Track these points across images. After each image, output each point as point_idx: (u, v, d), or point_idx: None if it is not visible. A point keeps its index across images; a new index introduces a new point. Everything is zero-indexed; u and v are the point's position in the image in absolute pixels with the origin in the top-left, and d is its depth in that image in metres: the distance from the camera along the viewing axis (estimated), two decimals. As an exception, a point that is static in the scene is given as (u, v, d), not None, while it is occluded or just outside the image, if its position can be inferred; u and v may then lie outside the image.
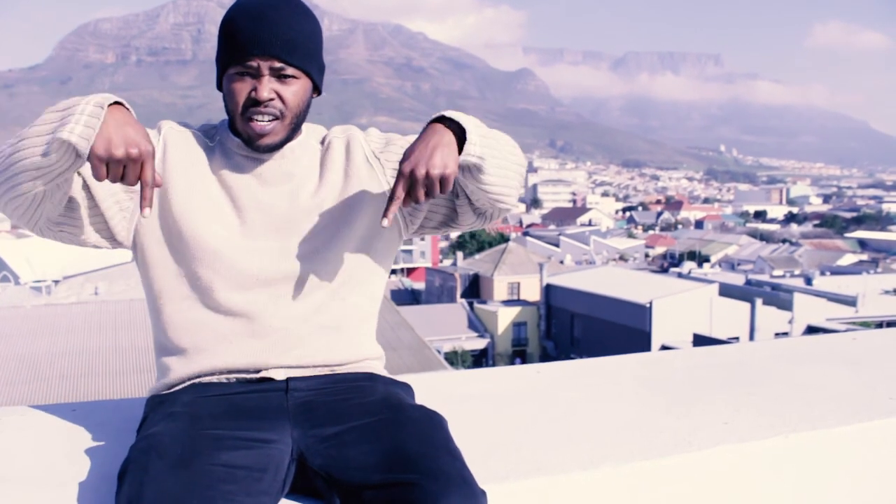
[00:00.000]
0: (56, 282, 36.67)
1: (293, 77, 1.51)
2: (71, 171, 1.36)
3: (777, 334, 34.50)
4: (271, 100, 1.49)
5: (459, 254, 60.52)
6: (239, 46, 1.48)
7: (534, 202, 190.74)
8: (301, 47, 1.51)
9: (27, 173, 1.34)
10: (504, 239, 69.01)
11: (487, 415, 1.90)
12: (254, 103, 1.49)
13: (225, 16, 1.54)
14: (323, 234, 1.59)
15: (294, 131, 1.57)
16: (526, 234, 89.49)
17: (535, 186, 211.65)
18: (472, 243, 70.95)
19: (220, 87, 1.55)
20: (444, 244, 79.80)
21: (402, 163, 1.43)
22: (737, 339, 32.13)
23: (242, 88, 1.49)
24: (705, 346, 2.86)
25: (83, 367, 17.44)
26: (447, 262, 64.85)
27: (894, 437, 1.91)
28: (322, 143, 1.67)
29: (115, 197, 1.53)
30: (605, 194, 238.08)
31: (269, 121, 1.50)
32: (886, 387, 2.16)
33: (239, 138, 1.56)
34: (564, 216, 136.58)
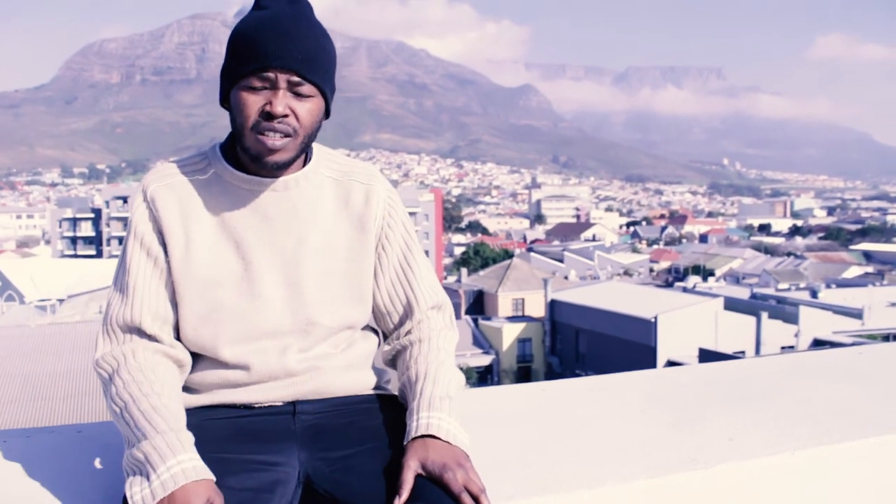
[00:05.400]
0: (61, 301, 36.76)
1: (309, 95, 1.45)
2: None
3: (783, 348, 34.41)
4: (286, 116, 1.43)
5: (464, 270, 60.59)
6: (256, 57, 1.41)
7: (537, 218, 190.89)
8: (320, 64, 1.46)
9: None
10: (508, 255, 69.06)
11: (493, 433, 1.89)
12: (267, 117, 1.42)
13: (238, 26, 1.47)
14: (332, 282, 1.56)
15: (302, 152, 1.51)
16: (530, 249, 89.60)
17: (538, 202, 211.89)
18: (477, 260, 70.99)
19: (224, 101, 1.50)
20: (448, 261, 79.85)
21: (445, 473, 1.34)
22: (743, 353, 32.07)
23: (255, 101, 1.42)
24: (711, 360, 2.86)
25: (87, 387, 17.40)
26: (451, 279, 64.83)
27: (901, 452, 1.90)
28: (334, 175, 1.61)
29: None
30: (608, 209, 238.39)
31: (281, 137, 1.43)
32: (893, 401, 2.16)
33: (245, 155, 1.47)
34: (568, 232, 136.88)
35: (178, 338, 1.53)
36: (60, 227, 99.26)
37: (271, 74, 1.41)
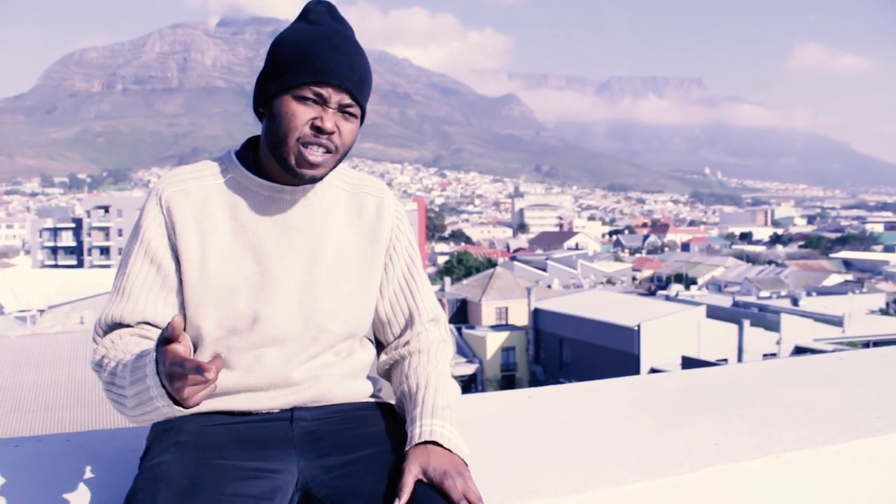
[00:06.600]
0: (41, 311, 36.34)
1: (353, 115, 1.49)
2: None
3: (765, 355, 34.61)
4: (332, 133, 1.46)
5: (447, 279, 60.47)
6: (312, 70, 1.43)
7: (520, 227, 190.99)
8: (368, 88, 1.51)
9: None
10: (492, 264, 69.09)
11: (481, 440, 1.91)
12: (316, 131, 1.45)
13: (289, 35, 1.48)
14: (345, 290, 1.57)
15: (333, 169, 1.54)
16: (513, 258, 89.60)
17: (521, 211, 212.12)
18: (460, 269, 70.97)
19: (258, 107, 1.51)
20: (431, 270, 79.72)
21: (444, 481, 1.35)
22: (725, 360, 32.20)
23: (305, 112, 1.44)
24: (694, 368, 2.88)
25: (69, 398, 17.25)
26: (435, 288, 64.73)
27: (881, 455, 1.94)
28: (346, 187, 1.64)
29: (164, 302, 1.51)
30: (591, 218, 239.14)
31: (324, 153, 1.46)
32: (873, 406, 2.19)
33: (281, 164, 1.47)
34: (551, 240, 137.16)
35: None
36: (41, 236, 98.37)
37: (325, 91, 1.44)
